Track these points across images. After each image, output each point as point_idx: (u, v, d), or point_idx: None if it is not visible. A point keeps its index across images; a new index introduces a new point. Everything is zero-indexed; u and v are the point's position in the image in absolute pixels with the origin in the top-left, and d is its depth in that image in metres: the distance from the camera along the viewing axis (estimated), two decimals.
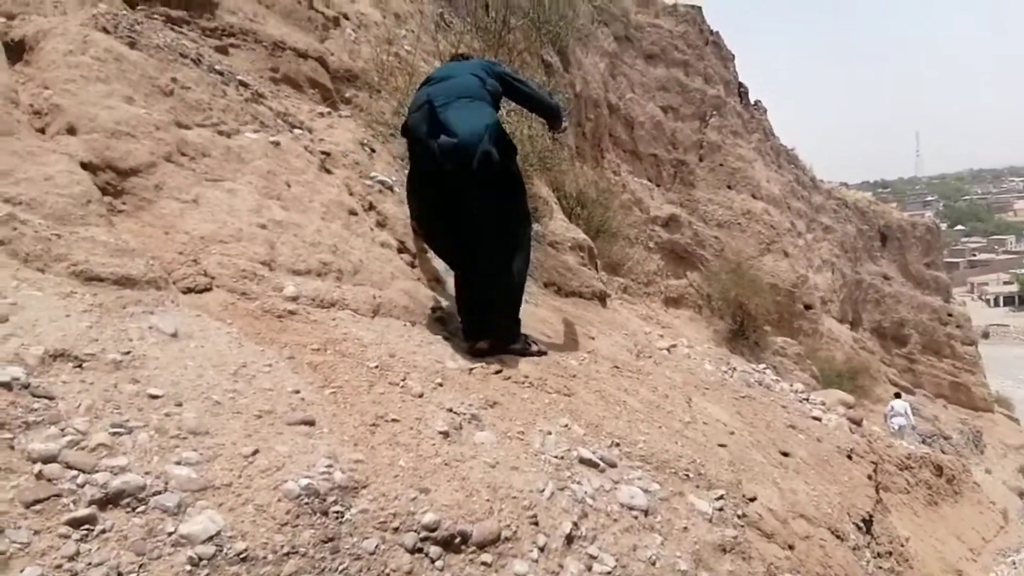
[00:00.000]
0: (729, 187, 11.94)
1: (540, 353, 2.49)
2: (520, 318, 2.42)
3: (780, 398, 6.00)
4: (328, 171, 3.04)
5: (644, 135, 11.05)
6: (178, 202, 1.97)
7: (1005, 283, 48.21)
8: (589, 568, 1.32)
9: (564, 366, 2.54)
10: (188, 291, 1.75)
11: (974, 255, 57.74)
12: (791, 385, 7.03)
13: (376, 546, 1.06)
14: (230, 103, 2.58)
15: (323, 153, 3.12)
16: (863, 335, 12.60)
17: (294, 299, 1.97)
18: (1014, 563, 6.85)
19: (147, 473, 0.97)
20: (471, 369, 2.10)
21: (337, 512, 1.07)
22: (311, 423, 1.29)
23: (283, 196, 2.56)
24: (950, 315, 13.91)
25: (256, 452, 1.11)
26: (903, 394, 10.27)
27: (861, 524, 3.74)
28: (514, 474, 1.45)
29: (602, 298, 4.49)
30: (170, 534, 0.90)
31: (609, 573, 1.33)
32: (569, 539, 1.34)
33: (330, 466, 1.14)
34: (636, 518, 1.55)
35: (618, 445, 1.89)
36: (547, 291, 4.09)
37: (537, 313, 3.51)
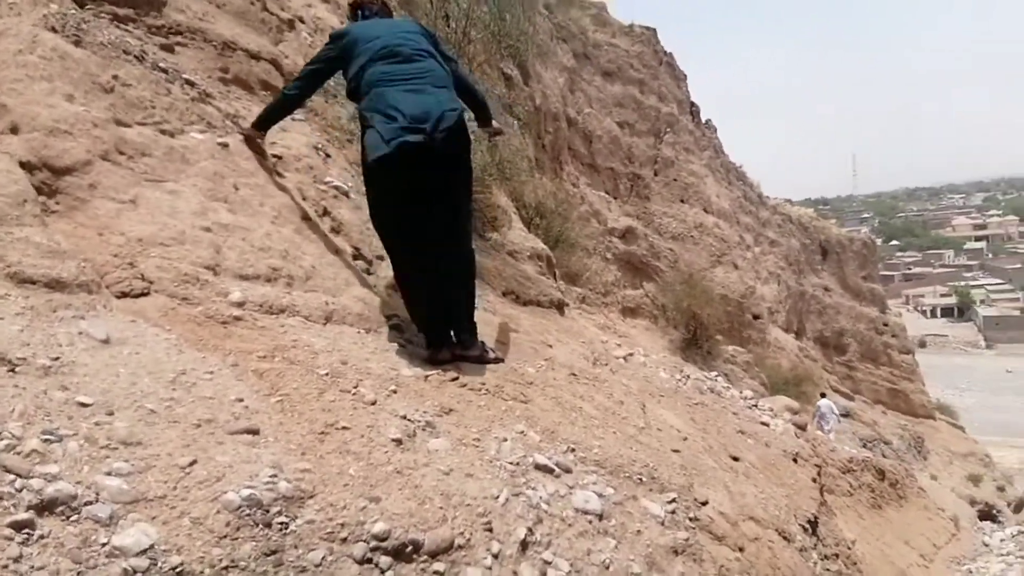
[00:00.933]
0: (682, 201, 12.35)
1: (497, 360, 2.48)
2: (476, 323, 2.41)
3: (731, 404, 6.20)
4: (280, 175, 2.96)
5: (602, 149, 11.31)
6: (114, 202, 1.87)
7: (943, 295, 51.51)
8: (544, 574, 1.31)
9: (521, 373, 2.54)
10: (123, 295, 1.66)
11: (909, 269, 61.62)
12: (741, 392, 7.29)
13: (323, 558, 1.02)
14: (174, 102, 2.48)
15: (275, 156, 3.04)
16: (807, 344, 13.22)
17: (240, 305, 1.89)
18: (970, 571, 7.13)
19: (78, 483, 0.91)
20: (427, 376, 2.08)
21: (281, 523, 1.02)
22: (255, 432, 1.24)
23: (230, 199, 2.47)
24: (886, 324, 14.80)
25: (194, 462, 1.06)
26: (826, 394, 10.74)
27: (807, 526, 3.89)
28: (468, 481, 1.44)
29: (560, 307, 4.54)
30: (103, 545, 0.84)
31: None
32: (524, 545, 1.34)
33: (274, 475, 1.10)
34: (590, 522, 1.56)
35: (573, 451, 1.90)
36: (505, 300, 4.10)
37: (494, 321, 3.50)
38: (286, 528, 1.02)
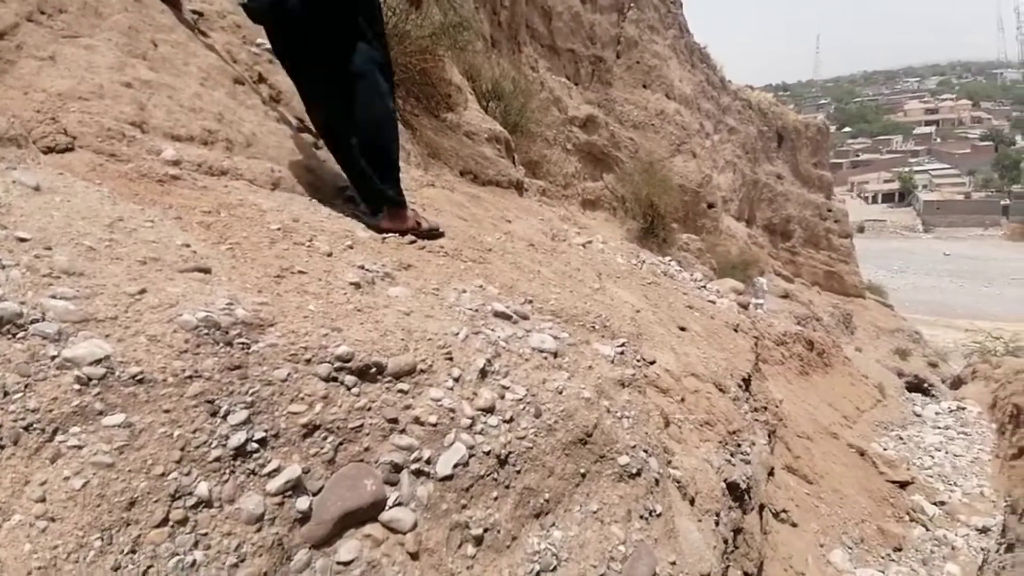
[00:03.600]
0: (645, 86, 11.94)
1: (432, 232, 2.34)
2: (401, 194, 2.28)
3: (682, 286, 6.53)
4: (204, 34, 2.66)
5: (562, 27, 10.59)
6: (36, 60, 1.69)
7: (886, 181, 53.37)
8: (502, 396, 1.41)
9: (480, 240, 2.55)
10: (48, 151, 1.54)
11: (858, 156, 63.06)
12: (692, 275, 7.64)
13: (288, 374, 1.06)
14: None
15: (195, 13, 2.71)
16: (756, 231, 13.74)
17: (175, 163, 1.78)
18: (900, 437, 8.02)
19: (22, 303, 0.88)
20: (383, 238, 2.06)
21: (243, 343, 1.04)
22: (206, 271, 1.22)
23: (149, 56, 2.23)
24: (829, 211, 15.45)
25: (143, 291, 1.04)
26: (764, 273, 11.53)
27: (741, 383, 4.30)
28: (429, 321, 1.48)
29: (519, 187, 4.49)
30: (53, 358, 0.84)
31: (520, 399, 1.44)
32: (483, 373, 1.42)
33: (231, 304, 1.10)
34: (546, 359, 1.67)
35: (531, 302, 1.98)
36: (463, 179, 4.02)
37: (453, 198, 3.45)
38: (248, 348, 1.04)
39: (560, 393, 1.56)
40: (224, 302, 1.09)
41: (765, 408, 5.45)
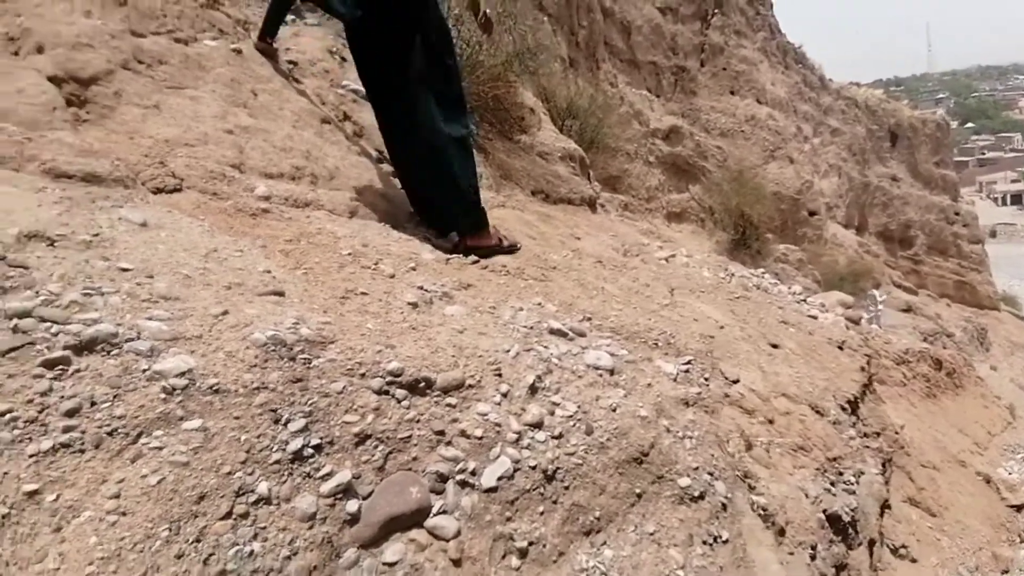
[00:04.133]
0: (732, 92, 11.46)
1: (512, 248, 2.49)
2: (484, 208, 2.42)
3: (777, 300, 6.09)
4: (297, 80, 2.97)
5: (642, 41, 10.50)
6: (139, 108, 1.98)
7: (1013, 181, 46.74)
8: (552, 412, 1.43)
9: (544, 259, 2.59)
10: (158, 191, 1.80)
11: (983, 153, 55.57)
12: (790, 288, 7.11)
13: (344, 387, 1.16)
14: (184, 10, 2.50)
15: (290, 63, 3.04)
16: (868, 239, 12.50)
17: (266, 199, 2.01)
18: None
19: (119, 324, 1.05)
20: (447, 259, 2.17)
21: (304, 359, 1.16)
22: (281, 294, 1.37)
23: (249, 104, 2.54)
24: (957, 214, 13.68)
25: (225, 312, 1.19)
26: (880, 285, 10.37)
27: (846, 405, 3.91)
28: (481, 338, 1.54)
29: (591, 204, 4.48)
30: (144, 371, 0.99)
31: (571, 416, 1.44)
32: (533, 389, 1.45)
33: (297, 324, 1.23)
34: (600, 376, 1.66)
35: (589, 319, 1.97)
36: (534, 199, 4.09)
37: (523, 217, 3.53)
38: (309, 363, 1.15)
39: (614, 411, 1.54)
40: (291, 321, 1.22)
41: (878, 434, 4.89)
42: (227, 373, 1.05)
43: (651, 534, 1.41)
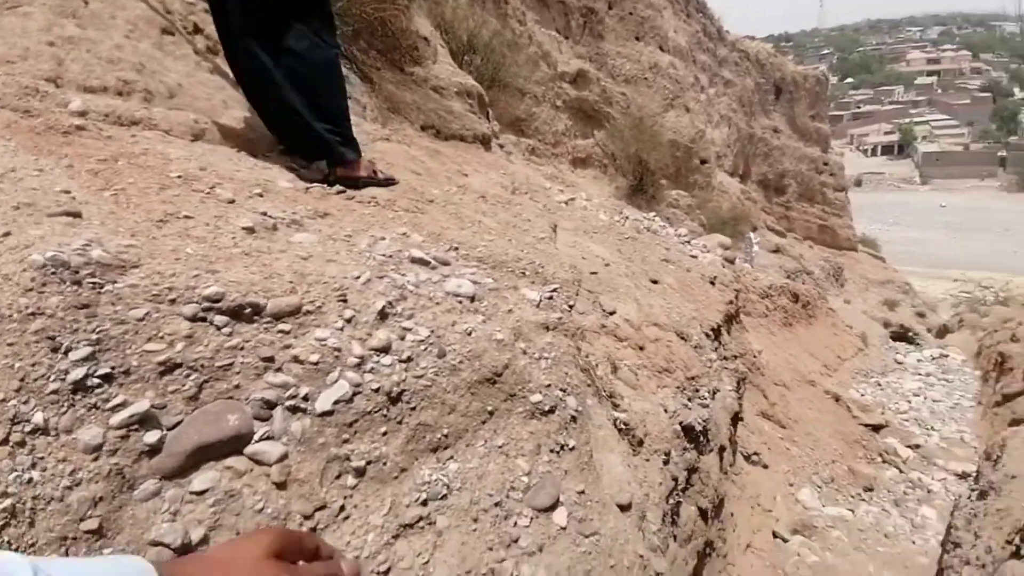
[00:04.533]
0: (637, 38, 11.56)
1: (388, 181, 2.40)
2: (355, 139, 2.29)
3: (664, 241, 6.47)
4: None
5: None
6: None
7: (886, 133, 52.41)
8: (402, 337, 1.41)
9: (422, 192, 2.51)
10: None
11: (859, 107, 61.54)
12: (676, 231, 7.57)
13: (146, 314, 1.05)
14: None
15: None
16: (750, 187, 13.51)
17: (82, 114, 1.74)
18: (878, 384, 8.09)
19: None
20: (308, 188, 2.03)
21: (94, 283, 1.03)
22: (77, 215, 1.20)
23: (79, 13, 2.20)
24: (825, 164, 15.14)
25: (7, 234, 1.03)
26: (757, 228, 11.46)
27: (709, 332, 4.30)
28: (329, 265, 1.47)
29: (485, 142, 4.39)
30: None
31: (423, 340, 1.44)
32: (383, 315, 1.42)
33: (88, 245, 1.08)
34: (460, 302, 1.66)
35: (456, 249, 1.95)
36: (424, 134, 3.93)
37: (409, 152, 3.38)
38: (100, 288, 1.03)
39: (469, 335, 1.55)
40: (81, 243, 1.07)
41: (736, 357, 5.46)
42: (1, 298, 0.91)
43: (500, 447, 1.48)
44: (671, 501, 2.80)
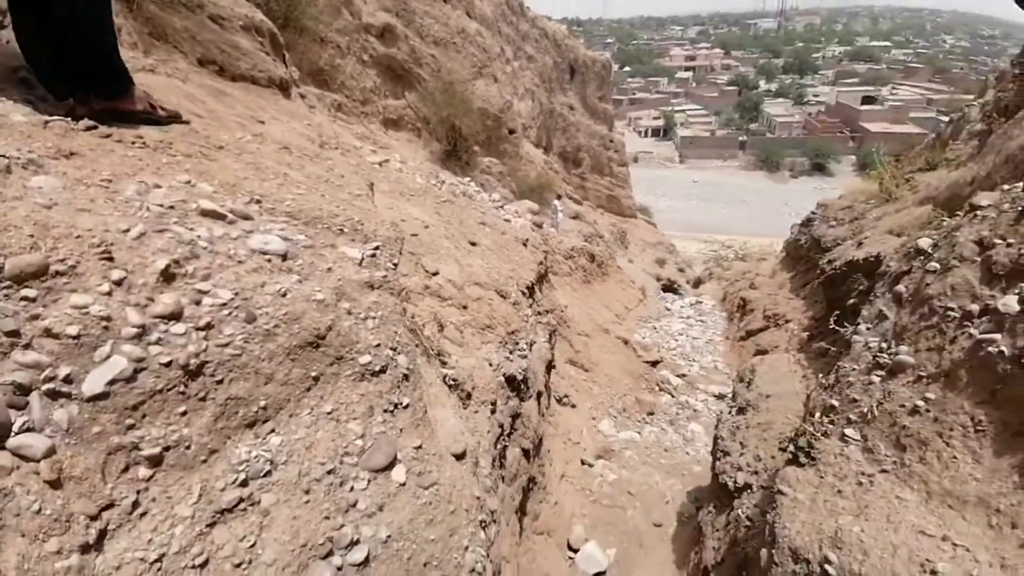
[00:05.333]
0: (445, 0, 11.41)
1: (173, 119, 2.01)
2: (125, 66, 1.85)
3: (480, 206, 6.66)
4: None
5: None
6: None
7: (655, 118, 61.59)
8: (197, 302, 1.19)
9: (207, 136, 2.13)
10: None
11: (634, 94, 71.02)
12: (491, 196, 7.85)
13: None
14: None
15: None
16: (552, 158, 14.65)
17: None
18: (654, 327, 9.50)
19: None
20: (47, 122, 1.56)
21: None
22: None
23: None
24: (611, 141, 17.16)
25: None
26: (561, 197, 12.73)
27: (525, 290, 4.61)
28: (82, 215, 1.16)
29: (283, 87, 3.92)
30: None
31: (225, 304, 1.24)
32: (167, 275, 1.18)
33: None
34: (269, 261, 1.47)
35: (259, 202, 1.72)
36: (203, 70, 3.34)
37: (185, 89, 2.84)
38: None
39: (284, 296, 1.39)
40: None
41: (549, 312, 5.98)
42: None
43: (329, 413, 1.37)
44: (499, 446, 2.99)
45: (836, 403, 2.22)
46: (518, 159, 12.98)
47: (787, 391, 3.76)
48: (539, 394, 4.05)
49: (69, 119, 1.65)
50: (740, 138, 56.22)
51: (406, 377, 1.66)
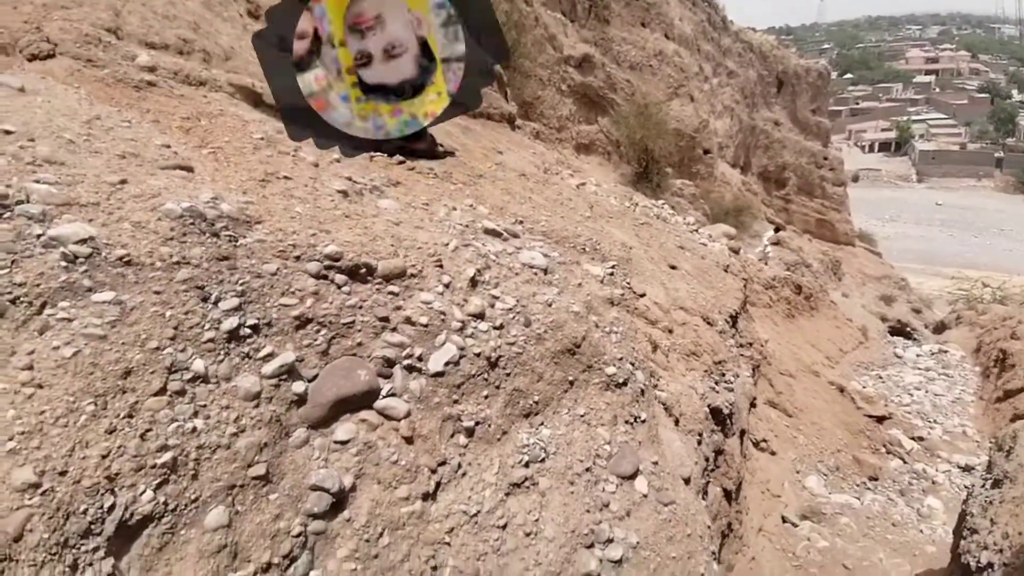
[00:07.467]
0: (643, 24, 11.49)
1: (448, 153, 2.43)
2: None
3: (674, 228, 6.52)
4: None
5: None
6: None
7: (883, 130, 52.00)
8: (492, 305, 1.43)
9: (470, 167, 2.51)
10: (33, 58, 1.49)
11: (857, 103, 61.28)
12: (684, 219, 7.63)
13: (277, 269, 1.06)
14: None
15: None
16: (751, 178, 13.61)
17: (151, 70, 1.70)
18: (879, 376, 8.15)
19: (8, 186, 0.86)
20: (372, 157, 2.02)
21: (230, 236, 1.03)
22: (189, 169, 1.19)
23: None
24: (825, 159, 15.30)
25: (124, 182, 1.02)
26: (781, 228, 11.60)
27: (729, 319, 4.38)
28: (419, 231, 1.48)
29: (511, 121, 4.38)
30: (39, 236, 0.83)
31: (510, 309, 1.46)
32: (473, 282, 1.43)
33: (215, 199, 1.08)
34: (536, 274, 1.68)
35: (521, 223, 1.97)
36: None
37: (444, 127, 3.36)
38: (236, 241, 1.03)
39: (550, 306, 1.58)
40: (208, 196, 1.07)
41: (750, 344, 5.57)
42: (138, 245, 0.91)
43: (582, 416, 1.51)
44: (702, 480, 2.88)
45: None
46: (712, 180, 12.33)
47: None
48: (742, 432, 3.79)
49: (385, 155, 2.11)
50: (996, 154, 45.08)
51: (643, 392, 1.73)
